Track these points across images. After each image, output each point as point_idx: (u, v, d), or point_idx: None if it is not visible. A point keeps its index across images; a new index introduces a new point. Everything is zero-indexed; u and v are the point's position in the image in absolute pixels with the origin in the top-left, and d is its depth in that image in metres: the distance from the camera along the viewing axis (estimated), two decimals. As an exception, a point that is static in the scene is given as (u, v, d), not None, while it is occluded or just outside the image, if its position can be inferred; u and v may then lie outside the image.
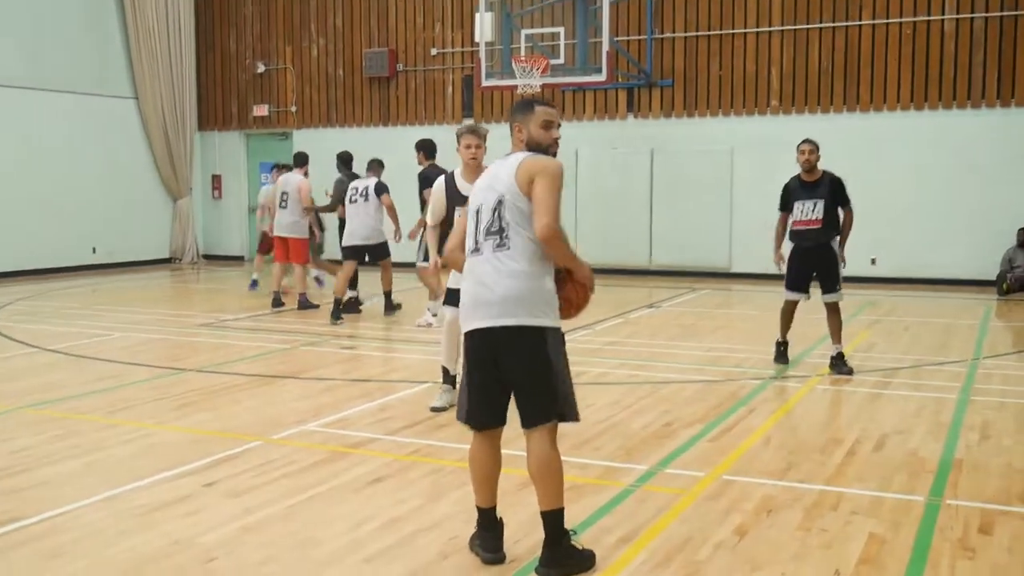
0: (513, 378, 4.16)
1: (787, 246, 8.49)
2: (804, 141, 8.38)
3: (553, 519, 4.12)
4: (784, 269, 8.52)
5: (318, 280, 14.32)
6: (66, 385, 8.11)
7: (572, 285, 4.25)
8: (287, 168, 13.29)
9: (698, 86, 15.89)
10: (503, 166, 4.24)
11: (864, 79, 14.85)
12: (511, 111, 4.38)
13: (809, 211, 8.22)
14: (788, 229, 8.45)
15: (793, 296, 8.49)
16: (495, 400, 4.24)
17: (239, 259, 19.71)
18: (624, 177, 16.17)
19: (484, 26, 14.92)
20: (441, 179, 7.01)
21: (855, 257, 14.89)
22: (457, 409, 4.40)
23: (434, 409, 6.96)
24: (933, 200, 14.50)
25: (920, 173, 14.56)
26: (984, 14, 14.09)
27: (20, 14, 16.73)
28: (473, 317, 4.20)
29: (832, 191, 8.23)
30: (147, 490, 5.29)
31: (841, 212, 8.29)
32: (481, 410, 4.25)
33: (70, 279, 16.41)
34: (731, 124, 15.68)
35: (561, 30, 14.95)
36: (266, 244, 13.87)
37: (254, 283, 14.23)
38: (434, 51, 17.72)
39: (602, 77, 14.29)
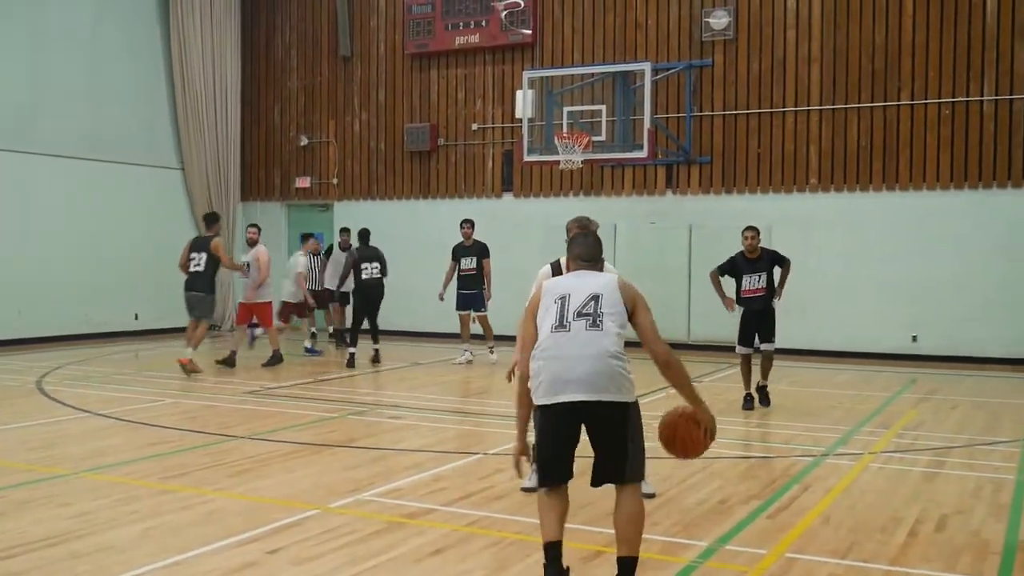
0: (608, 444, 4.50)
1: (738, 309, 10.38)
2: (748, 228, 10.35)
3: (633, 565, 4.56)
4: (732, 310, 10.39)
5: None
6: (121, 450, 8.20)
7: (686, 424, 4.64)
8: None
9: (736, 163, 16.06)
10: (592, 277, 4.68)
11: (903, 158, 14.95)
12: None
13: (755, 282, 10.29)
14: (737, 295, 10.33)
15: (746, 350, 10.40)
16: (569, 462, 4.62)
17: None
18: (662, 252, 16.26)
19: (526, 103, 15.25)
20: (549, 266, 6.83)
21: (896, 335, 15.14)
22: (537, 475, 4.69)
23: (525, 490, 6.63)
24: (974, 278, 14.45)
25: (960, 251, 14.56)
26: None
27: (77, 87, 17.25)
28: (563, 391, 4.46)
29: (770, 262, 10.30)
30: (212, 556, 5.33)
31: (778, 272, 10.33)
32: (556, 470, 4.60)
33: (113, 344, 16.63)
34: (770, 201, 15.79)
35: (603, 107, 15.21)
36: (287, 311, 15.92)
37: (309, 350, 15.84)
38: (475, 126, 18.04)
39: (643, 154, 14.47)
